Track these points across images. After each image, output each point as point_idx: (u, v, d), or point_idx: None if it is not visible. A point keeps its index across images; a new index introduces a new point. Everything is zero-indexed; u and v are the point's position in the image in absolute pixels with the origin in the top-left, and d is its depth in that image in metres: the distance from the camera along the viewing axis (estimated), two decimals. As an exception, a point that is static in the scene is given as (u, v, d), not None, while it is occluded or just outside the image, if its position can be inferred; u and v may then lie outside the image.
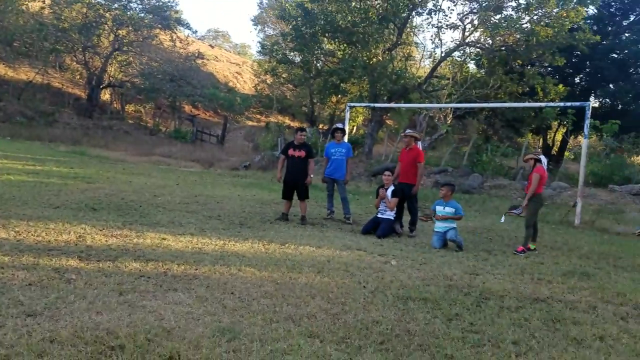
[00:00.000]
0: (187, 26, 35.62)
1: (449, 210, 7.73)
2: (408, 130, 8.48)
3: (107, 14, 31.28)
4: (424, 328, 3.90)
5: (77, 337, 3.26)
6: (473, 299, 4.79)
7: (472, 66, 26.81)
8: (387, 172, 8.59)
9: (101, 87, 33.77)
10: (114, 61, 34.05)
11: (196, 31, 56.25)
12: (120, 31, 32.19)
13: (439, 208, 7.83)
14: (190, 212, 8.81)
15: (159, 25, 32.62)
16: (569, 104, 13.88)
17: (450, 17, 70.80)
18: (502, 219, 8.91)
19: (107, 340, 3.26)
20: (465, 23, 20.78)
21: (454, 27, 21.25)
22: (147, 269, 5.00)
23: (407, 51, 24.14)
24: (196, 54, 36.33)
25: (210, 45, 56.44)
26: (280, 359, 3.16)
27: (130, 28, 31.99)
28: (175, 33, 33.51)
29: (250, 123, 41.11)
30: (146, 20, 32.34)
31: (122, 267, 4.98)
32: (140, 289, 4.34)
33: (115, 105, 36.48)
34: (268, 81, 38.12)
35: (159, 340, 3.30)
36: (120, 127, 31.78)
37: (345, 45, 21.80)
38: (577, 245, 8.41)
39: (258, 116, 43.84)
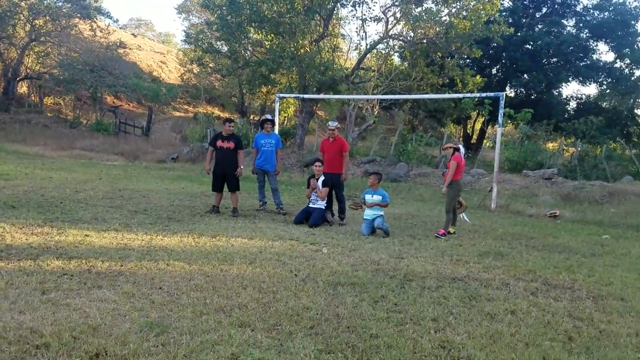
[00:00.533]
0: (108, 15, 34.11)
1: (377, 198, 8.01)
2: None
3: (23, 3, 29.40)
4: (352, 311, 4.07)
5: (0, 337, 3.17)
6: (398, 281, 5.04)
7: (396, 58, 27.58)
8: (317, 163, 8.73)
9: (18, 79, 32.15)
10: (30, 52, 32.33)
11: (117, 20, 53.67)
12: (37, 21, 30.38)
13: (367, 197, 8.10)
14: (114, 207, 8.53)
15: (78, 15, 31.06)
16: (484, 94, 14.68)
17: (373, 10, 72.11)
18: (466, 218, 9.10)
19: (32, 339, 3.18)
20: (388, 16, 21.28)
21: (377, 19, 21.70)
22: (70, 266, 4.84)
23: (334, 43, 24.40)
24: (118, 44, 34.85)
25: (132, 34, 54.10)
26: (211, 350, 3.20)
27: (47, 17, 30.28)
28: (95, 22, 32.05)
29: (177, 114, 39.93)
30: (64, 10, 30.74)
31: (44, 265, 4.81)
32: (63, 287, 4.23)
33: (33, 98, 34.65)
34: (195, 71, 37.14)
35: (85, 338, 3.24)
36: (39, 121, 29.93)
37: (272, 35, 21.70)
38: (493, 228, 8.98)
39: (185, 107, 42.68)
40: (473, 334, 3.72)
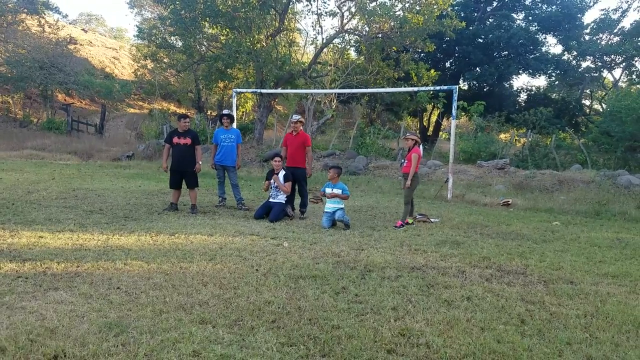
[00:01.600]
0: (57, 10, 32.72)
1: (337, 191, 8.08)
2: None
3: (-35, -1, 27.84)
4: (313, 303, 4.12)
5: (-54, 346, 3.05)
6: (358, 272, 5.12)
7: (352, 53, 27.73)
8: (277, 158, 8.71)
9: (-38, 78, 30.17)
10: (-25, 50, 30.47)
11: (67, 15, 51.79)
12: (-19, 17, 28.80)
13: (327, 190, 8.16)
14: (68, 208, 8.28)
15: (25, 10, 29.67)
16: (439, 87, 14.99)
17: (329, 5, 72.39)
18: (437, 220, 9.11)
19: (-15, 344, 3.08)
20: (343, 10, 21.34)
21: (332, 14, 21.72)
22: (25, 269, 4.69)
23: (291, 37, 24.30)
24: (68, 39, 33.62)
25: (83, 30, 52.21)
26: (172, 348, 3.18)
27: (-8, 13, 28.74)
28: (43, 17, 30.72)
29: (131, 110, 38.89)
30: (10, 5, 29.31)
31: (-5, 269, 4.63)
32: (18, 290, 4.11)
33: (-22, 97, 32.74)
34: (149, 66, 36.17)
35: (42, 340, 3.17)
36: (-14, 120, 28.58)
37: (227, 30, 21.41)
38: (449, 217, 9.22)
39: (140, 103, 41.60)
40: (431, 321, 3.84)
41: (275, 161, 8.65)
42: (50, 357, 2.98)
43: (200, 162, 8.87)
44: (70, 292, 4.15)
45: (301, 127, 9.04)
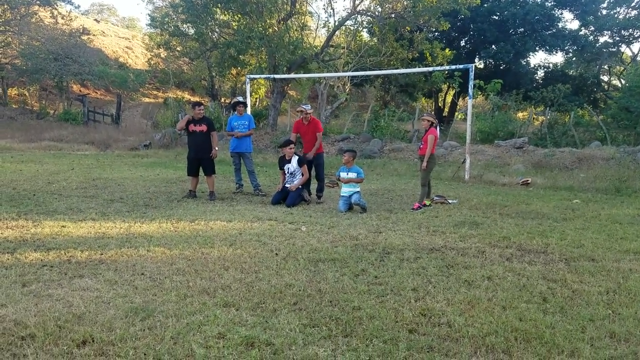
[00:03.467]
0: (69, 1, 32.88)
1: (352, 175, 8.08)
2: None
3: (-23, -8, 28.13)
4: (333, 286, 4.15)
5: (-18, 331, 3.15)
6: (377, 255, 5.14)
7: (365, 34, 27.44)
8: (291, 145, 8.70)
9: (-22, 71, 30.66)
10: (-10, 43, 30.88)
11: (79, 6, 52.08)
12: (-6, 10, 29.11)
13: (342, 174, 8.16)
14: (89, 197, 8.42)
15: (38, 2, 29.86)
16: (454, 67, 14.79)
17: (340, -14, 71.67)
18: (454, 201, 8.94)
19: (16, 331, 3.18)
20: (355, -10, 21.14)
21: (344, -5, 21.56)
22: (49, 258, 4.80)
23: (302, 21, 24.14)
24: (81, 30, 33.76)
25: (95, 20, 52.51)
26: (197, 330, 3.24)
27: (5, 6, 29.05)
28: (56, 9, 30.88)
29: (146, 100, 39.16)
30: (23, -3, 29.46)
31: (22, 258, 4.77)
32: (44, 279, 4.21)
33: (-5, 90, 33.21)
34: (162, 55, 36.31)
35: (70, 326, 3.25)
36: (4, 113, 29.00)
37: (239, 15, 21.35)
38: (467, 198, 9.17)
39: (155, 92, 41.85)
40: (452, 301, 3.85)
41: (290, 148, 8.65)
42: (78, 342, 3.05)
43: (217, 148, 8.92)
44: (95, 279, 4.24)
45: (312, 115, 9.08)
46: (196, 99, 34.76)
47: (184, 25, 25.18)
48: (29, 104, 33.36)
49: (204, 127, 8.70)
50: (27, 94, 34.40)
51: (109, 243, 5.41)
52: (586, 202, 8.97)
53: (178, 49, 28.56)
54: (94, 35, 38.35)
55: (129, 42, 50.03)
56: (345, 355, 2.96)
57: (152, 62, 38.96)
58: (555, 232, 6.31)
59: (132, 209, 7.55)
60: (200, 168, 8.84)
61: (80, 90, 35.44)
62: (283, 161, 8.75)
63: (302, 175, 8.59)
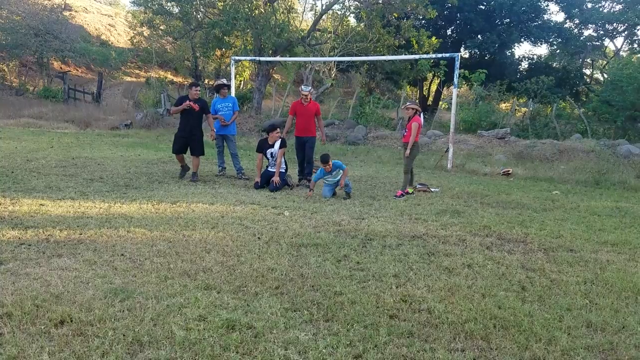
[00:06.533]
0: (51, -25, 32.04)
1: (337, 175, 7.85)
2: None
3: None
4: (315, 270, 4.16)
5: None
6: (359, 241, 5.16)
7: (352, 20, 27.23)
8: (278, 130, 8.61)
9: (-44, 46, 29.72)
10: (-31, 17, 29.90)
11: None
12: (-28, -17, 28.22)
13: (329, 178, 7.91)
14: (68, 176, 8.27)
15: (19, -24, 29.03)
16: (440, 55, 14.77)
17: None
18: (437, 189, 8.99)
19: (-8, 310, 3.12)
20: (343, -26, 20.94)
21: (332, -22, 21.34)
22: (27, 236, 4.72)
23: (289, 3, 23.86)
24: (62, 6, 32.93)
25: (76, -5, 51.13)
26: (178, 313, 3.22)
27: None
28: (37, -17, 30.05)
29: (128, 79, 38.41)
30: (4, -30, 28.63)
31: (-2, 236, 4.66)
32: (21, 257, 4.14)
33: (-27, 65, 32.29)
34: (145, 34, 35.57)
35: (48, 306, 3.21)
36: (-19, 89, 28.24)
37: (225, -5, 21.00)
38: (449, 187, 9.23)
39: (137, 71, 41.03)
40: (432, 288, 3.88)
41: (277, 132, 8.56)
42: (56, 322, 3.01)
43: (214, 129, 9.06)
44: (74, 258, 4.17)
45: (311, 97, 9.05)
46: (179, 79, 34.29)
47: (168, 4, 24.67)
48: (7, 80, 32.50)
49: (196, 107, 8.62)
50: (6, 70, 33.50)
51: (89, 223, 5.32)
52: (566, 194, 9.10)
53: (162, 27, 27.97)
54: (75, 11, 37.46)
55: (112, 20, 48.88)
56: (326, 339, 2.97)
57: (134, 41, 38.13)
58: (534, 222, 6.40)
59: (112, 189, 7.45)
60: (188, 148, 8.77)
61: (61, 67, 34.61)
62: (265, 145, 8.64)
63: (278, 160, 8.43)
